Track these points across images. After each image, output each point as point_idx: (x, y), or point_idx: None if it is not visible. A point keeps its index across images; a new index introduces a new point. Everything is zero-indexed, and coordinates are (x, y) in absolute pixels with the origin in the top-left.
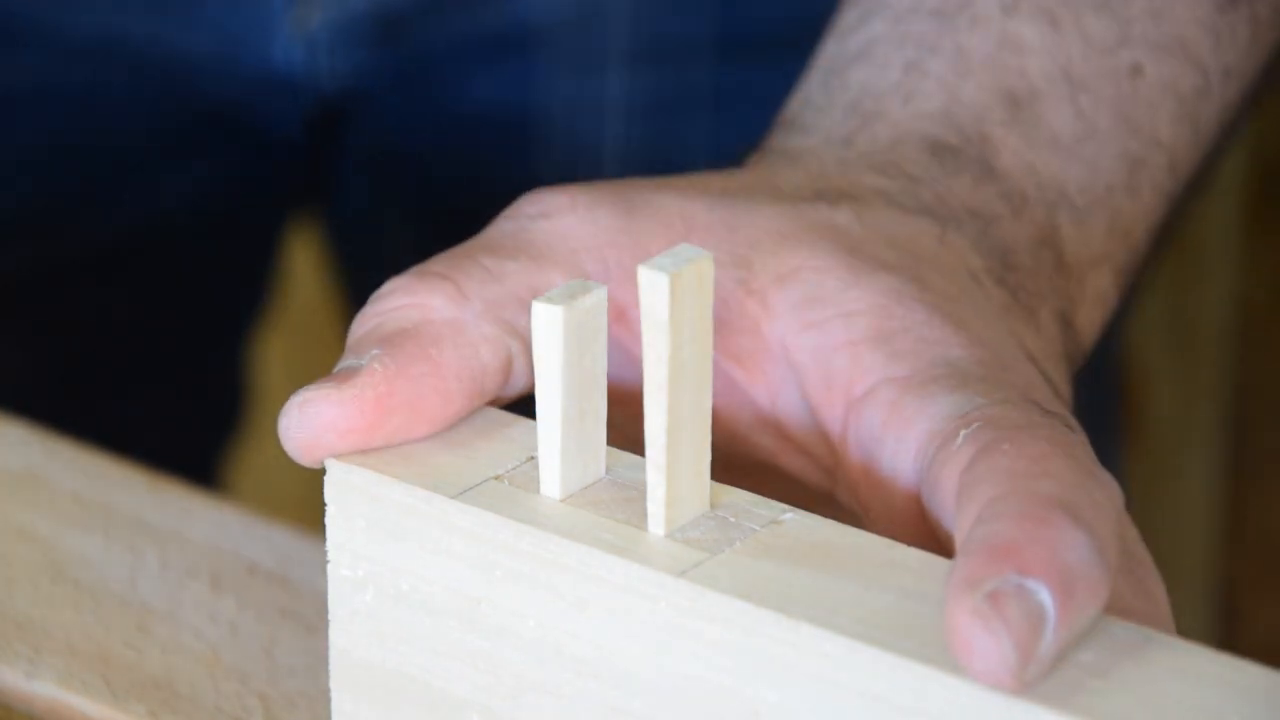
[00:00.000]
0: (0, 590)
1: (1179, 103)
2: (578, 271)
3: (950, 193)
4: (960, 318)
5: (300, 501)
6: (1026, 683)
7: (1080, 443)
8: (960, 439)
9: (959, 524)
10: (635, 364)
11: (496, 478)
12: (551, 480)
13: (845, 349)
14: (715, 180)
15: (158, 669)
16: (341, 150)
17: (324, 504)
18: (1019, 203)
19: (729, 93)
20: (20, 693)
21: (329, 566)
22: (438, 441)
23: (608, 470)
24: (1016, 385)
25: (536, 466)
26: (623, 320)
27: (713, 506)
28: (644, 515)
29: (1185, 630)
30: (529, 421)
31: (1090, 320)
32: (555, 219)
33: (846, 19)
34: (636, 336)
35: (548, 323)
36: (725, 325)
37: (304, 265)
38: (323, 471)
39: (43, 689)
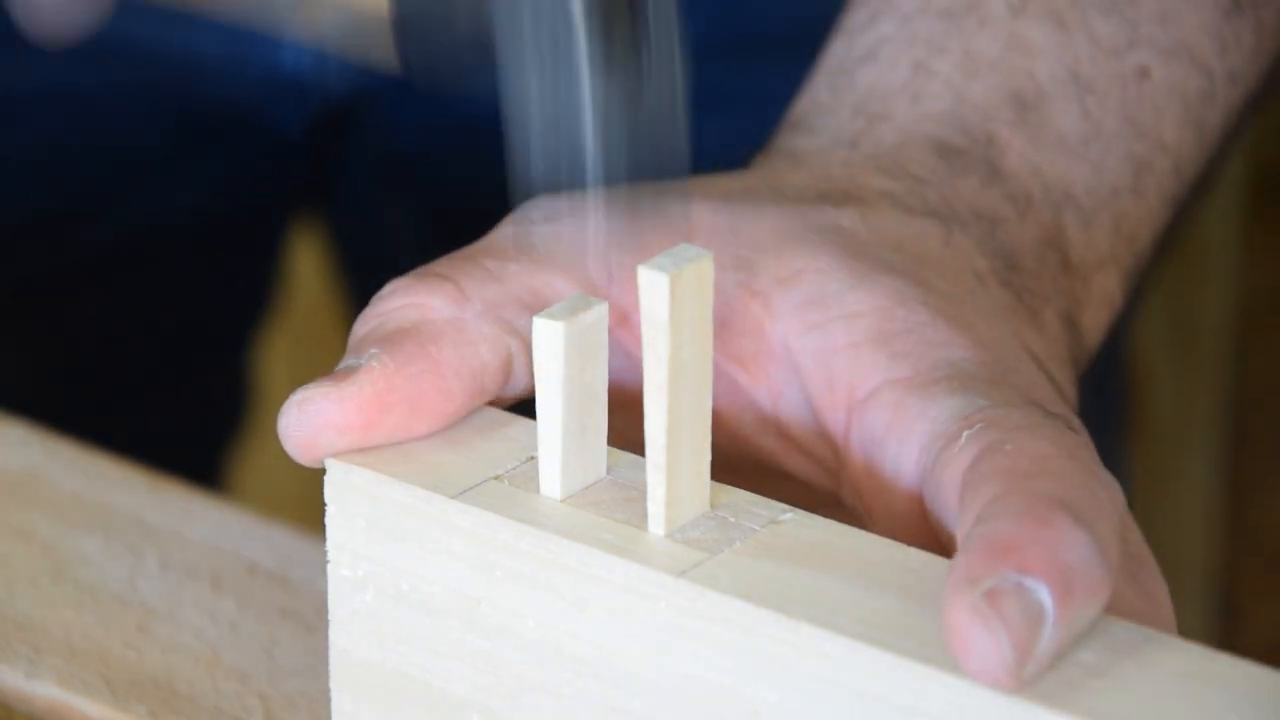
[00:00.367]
0: (0, 590)
1: (1184, 106)
2: (580, 274)
3: (956, 194)
4: (964, 319)
5: (303, 501)
6: (1024, 681)
7: (1083, 444)
8: (963, 440)
9: (961, 523)
10: (638, 368)
11: (496, 478)
12: (551, 481)
13: (848, 351)
14: (719, 182)
15: (158, 669)
16: (346, 152)
17: (324, 504)
18: (1025, 204)
19: (736, 94)
20: (20, 693)
21: (329, 566)
22: (438, 441)
23: (608, 470)
24: (1020, 387)
25: (536, 466)
26: (625, 324)
27: (713, 506)
28: (644, 515)
29: (1185, 630)
30: (529, 421)
31: (1095, 322)
32: (558, 223)
33: (854, 19)
34: (639, 340)
35: (549, 338)
36: (728, 327)
37: (307, 267)
38: (324, 471)
39: (43, 689)
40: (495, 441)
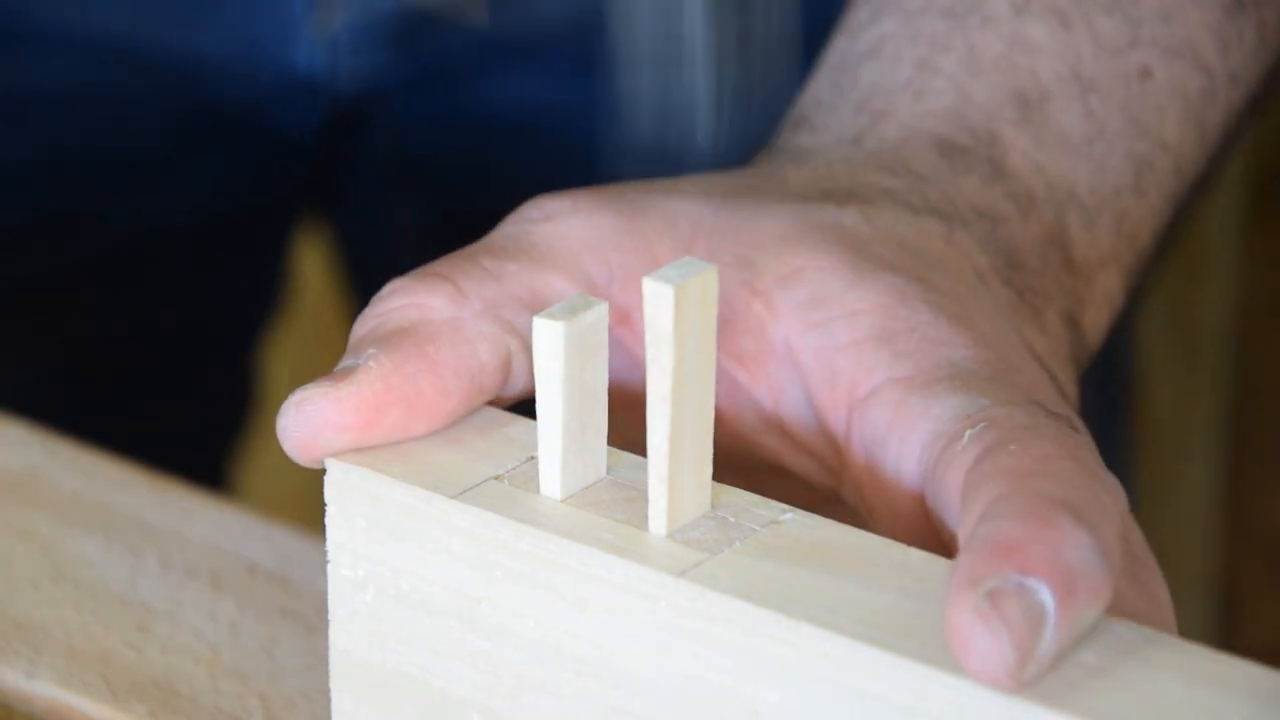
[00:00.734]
0: (0, 590)
1: (1186, 106)
2: (580, 274)
3: (958, 192)
4: (966, 318)
5: (303, 501)
6: (1025, 683)
7: (1085, 444)
8: (965, 439)
9: (963, 523)
10: (639, 367)
11: (496, 478)
12: (551, 481)
13: (849, 349)
14: (720, 181)
15: (158, 669)
16: (354, 153)
17: (324, 504)
18: (1027, 203)
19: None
20: (20, 693)
21: (329, 566)
22: (437, 441)
23: (608, 470)
24: (1022, 386)
25: (536, 466)
26: (626, 323)
27: (713, 507)
28: (644, 515)
29: (1185, 630)
30: (529, 421)
31: (1097, 321)
32: (558, 222)
33: (857, 16)
34: (640, 339)
35: (549, 338)
36: (729, 326)
37: (312, 268)
38: (325, 472)
39: (43, 689)
40: (495, 441)
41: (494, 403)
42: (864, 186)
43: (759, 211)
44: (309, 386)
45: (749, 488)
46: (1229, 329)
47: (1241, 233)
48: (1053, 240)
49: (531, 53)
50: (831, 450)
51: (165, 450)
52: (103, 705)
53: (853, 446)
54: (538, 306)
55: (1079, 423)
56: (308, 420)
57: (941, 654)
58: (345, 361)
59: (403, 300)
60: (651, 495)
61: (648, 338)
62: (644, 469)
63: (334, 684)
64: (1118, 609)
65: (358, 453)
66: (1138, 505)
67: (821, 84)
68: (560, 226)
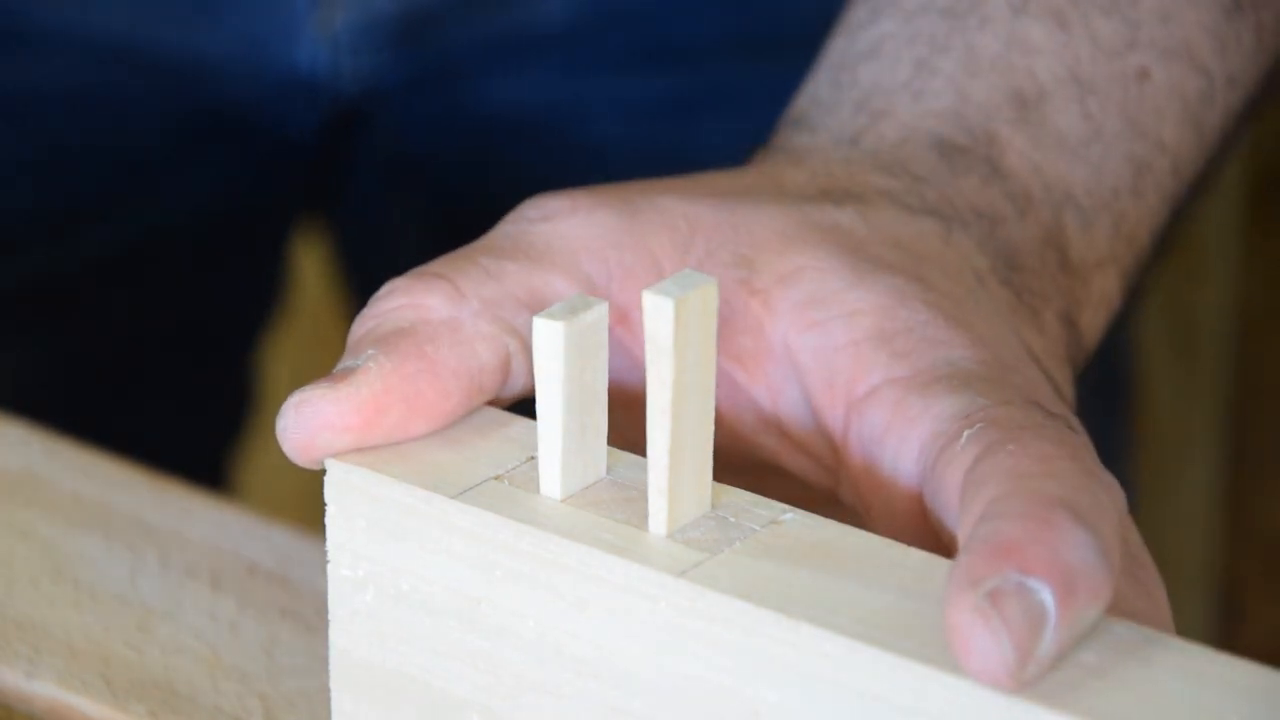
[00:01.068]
0: (0, 590)
1: (1184, 107)
2: (579, 273)
3: (956, 192)
4: (964, 318)
5: (303, 502)
6: (1024, 683)
7: (1083, 444)
8: (964, 439)
9: (962, 523)
10: (638, 366)
11: (496, 478)
12: (551, 481)
13: (847, 349)
14: (719, 180)
15: (158, 669)
16: (355, 153)
17: (324, 504)
18: (1025, 203)
19: (746, 93)
20: (20, 693)
21: (329, 566)
22: (437, 441)
23: (608, 470)
24: (1019, 386)
25: (536, 466)
26: (625, 322)
27: (713, 507)
28: (644, 515)
29: (1185, 630)
30: (529, 421)
31: (1094, 322)
32: (556, 221)
33: (856, 16)
34: (638, 338)
35: (549, 338)
36: (727, 325)
37: (312, 268)
38: (325, 472)
39: (43, 689)
40: (495, 441)
41: (494, 403)
42: (862, 186)
43: (757, 210)
44: (308, 387)
45: (747, 487)
46: (1228, 330)
47: (1240, 235)
48: (1050, 241)
49: (532, 53)
50: (829, 450)
51: (165, 450)
52: (103, 705)
53: (850, 446)
54: (537, 306)
55: (1076, 422)
56: (307, 421)
57: (941, 654)
58: (344, 362)
59: (401, 300)
60: (652, 509)
61: (648, 350)
62: (644, 469)
63: (334, 684)
64: (1117, 609)
65: (358, 453)
66: (1137, 505)
67: (820, 83)
68: (559, 226)
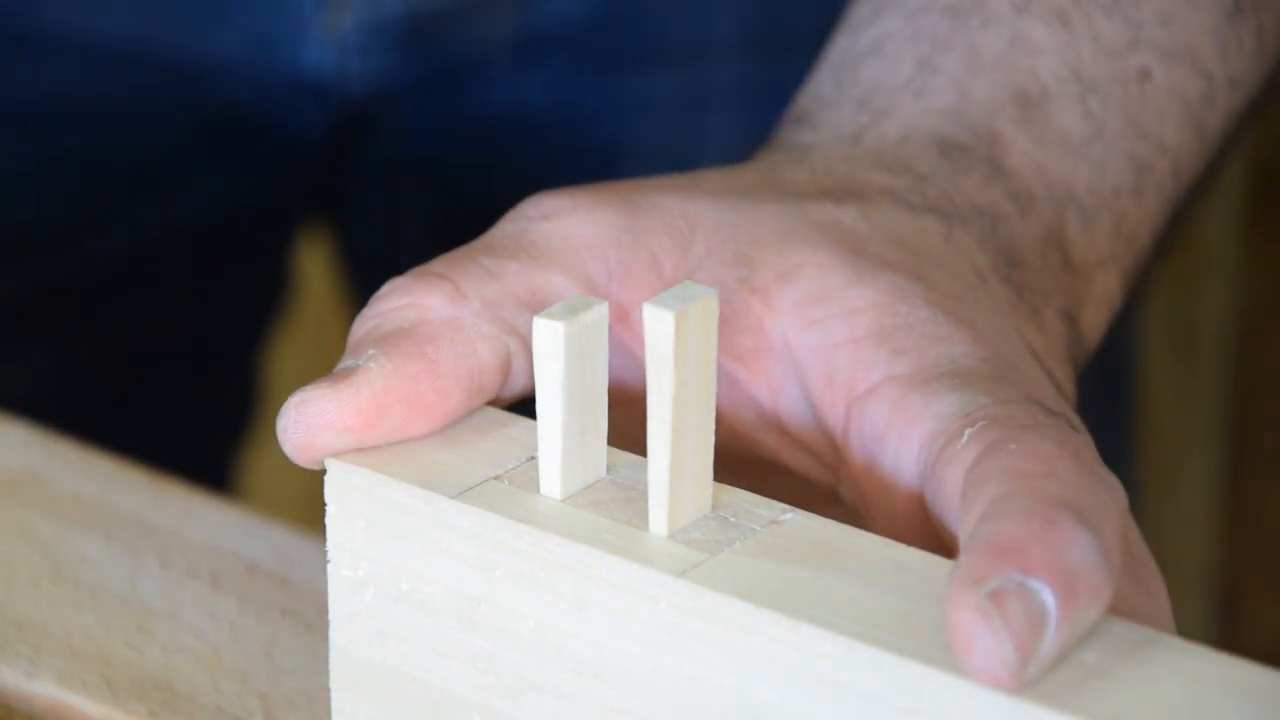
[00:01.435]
0: (0, 590)
1: (1185, 109)
2: (579, 272)
3: (958, 191)
4: (965, 316)
5: (304, 502)
6: (1025, 683)
7: (1085, 443)
8: (965, 438)
9: (963, 522)
10: (638, 364)
11: (496, 478)
12: (551, 481)
13: (847, 346)
14: (719, 178)
15: (158, 669)
16: (362, 154)
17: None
18: (1027, 202)
19: (751, 94)
20: (20, 693)
21: (329, 566)
22: (437, 441)
23: (608, 470)
24: (1021, 384)
25: (536, 466)
26: (625, 321)
27: (713, 506)
28: (644, 515)
29: (1185, 630)
30: (529, 421)
31: (1095, 321)
32: (556, 220)
33: (859, 14)
34: (639, 337)
35: (549, 338)
36: (728, 323)
37: (316, 270)
38: (325, 472)
39: (43, 689)
40: (495, 441)
41: (494, 403)
42: (863, 184)
43: (758, 208)
44: (309, 387)
45: (747, 485)
46: (1228, 331)
47: (1241, 236)
48: (1051, 239)
49: (539, 54)
50: (829, 447)
51: (169, 452)
52: (103, 705)
53: (851, 444)
54: (537, 305)
55: (1078, 421)
56: (308, 421)
57: (941, 654)
58: (345, 362)
59: (401, 300)
60: (652, 521)
61: (648, 362)
62: (644, 469)
63: (334, 684)
64: (1117, 608)
65: (358, 453)
66: (1138, 505)
67: (822, 81)
68: (559, 225)
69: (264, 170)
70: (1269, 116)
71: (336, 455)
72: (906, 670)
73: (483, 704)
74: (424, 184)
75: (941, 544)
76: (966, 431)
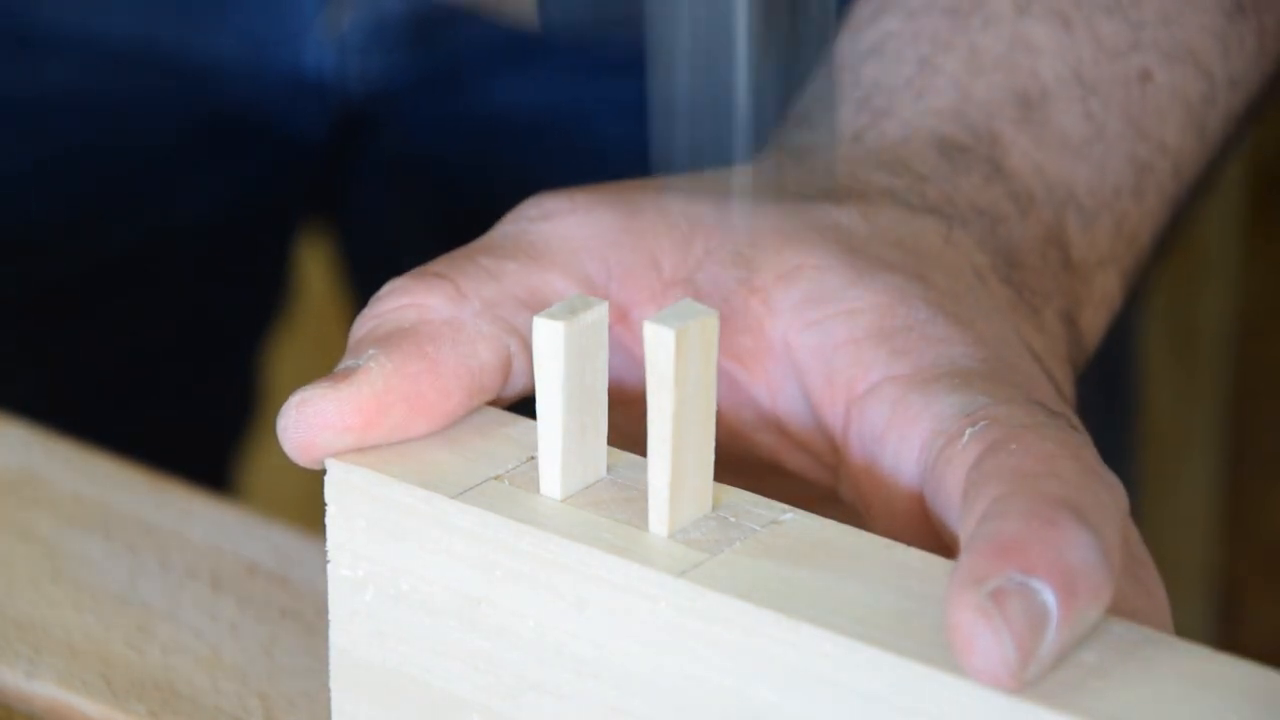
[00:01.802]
0: (0, 590)
1: (1186, 109)
2: (578, 272)
3: (958, 191)
4: (964, 316)
5: (305, 502)
6: (1025, 683)
7: (1085, 443)
8: (965, 438)
9: (964, 522)
10: (638, 364)
11: (496, 478)
12: (551, 481)
13: (847, 347)
14: (719, 179)
15: (158, 669)
16: (362, 155)
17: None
18: (1027, 202)
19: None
20: (20, 693)
21: (329, 566)
22: (438, 441)
23: (608, 470)
24: (1020, 385)
25: (536, 466)
26: (624, 321)
27: (713, 506)
28: (644, 515)
29: (1185, 630)
30: (529, 421)
31: (1095, 321)
32: (556, 221)
33: (859, 14)
34: (638, 336)
35: (549, 338)
36: (727, 324)
37: (317, 270)
38: (325, 472)
39: (43, 689)
40: (495, 441)
41: (494, 403)
42: (863, 185)
43: (757, 209)
44: (309, 387)
45: (747, 485)
46: (1228, 332)
47: (1241, 237)
48: (1051, 240)
49: (541, 55)
50: (829, 448)
51: (169, 453)
52: (103, 705)
53: (850, 444)
54: (537, 305)
55: (1078, 421)
56: (308, 421)
57: (941, 654)
58: (345, 362)
59: (402, 300)
60: (653, 531)
61: (648, 380)
62: (644, 469)
63: (334, 684)
64: (1117, 608)
65: (358, 453)
66: (1137, 505)
67: (823, 81)
68: (558, 225)
69: (264, 170)
70: (1269, 116)
71: (337, 455)
72: (906, 670)
73: (483, 704)
74: (424, 184)
75: (941, 544)
76: (967, 431)
